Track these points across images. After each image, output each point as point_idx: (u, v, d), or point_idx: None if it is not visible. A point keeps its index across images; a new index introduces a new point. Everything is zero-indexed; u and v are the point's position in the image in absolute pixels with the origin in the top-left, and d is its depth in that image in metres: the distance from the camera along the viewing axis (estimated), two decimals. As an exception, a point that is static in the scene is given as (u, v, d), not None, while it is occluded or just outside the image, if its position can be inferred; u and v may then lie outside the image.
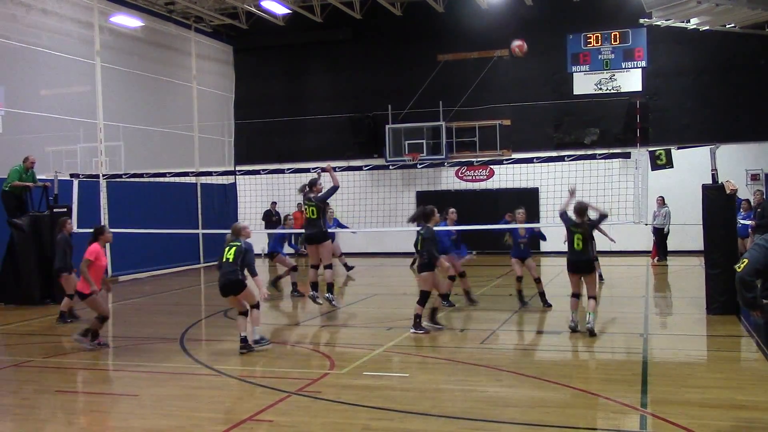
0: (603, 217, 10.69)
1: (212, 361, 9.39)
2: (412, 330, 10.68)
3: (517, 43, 11.33)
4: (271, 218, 24.65)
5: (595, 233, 11.18)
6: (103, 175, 16.82)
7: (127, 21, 20.96)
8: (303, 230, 12.86)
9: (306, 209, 12.38)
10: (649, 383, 7.74)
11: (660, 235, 20.30)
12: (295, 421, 6.75)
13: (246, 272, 9.68)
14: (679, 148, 12.58)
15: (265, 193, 21.24)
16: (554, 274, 18.87)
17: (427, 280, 10.71)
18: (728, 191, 11.68)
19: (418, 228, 10.99)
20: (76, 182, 15.88)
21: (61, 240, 12.67)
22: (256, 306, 9.91)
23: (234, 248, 9.67)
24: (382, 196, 20.03)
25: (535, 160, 16.07)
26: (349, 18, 24.47)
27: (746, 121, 21.93)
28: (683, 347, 9.91)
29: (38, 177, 15.49)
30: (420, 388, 7.90)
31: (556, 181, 16.36)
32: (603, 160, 15.34)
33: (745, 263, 5.76)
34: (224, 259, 9.71)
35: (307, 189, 12.43)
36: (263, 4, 22.92)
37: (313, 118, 25.69)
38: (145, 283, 18.95)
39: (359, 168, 17.96)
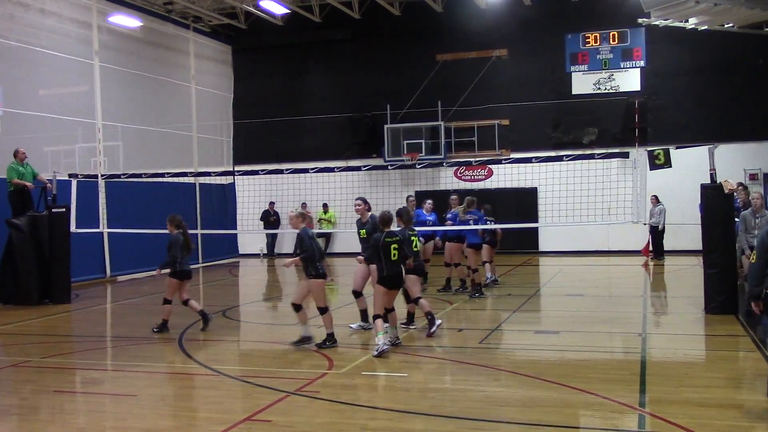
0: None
1: (211, 361, 9.39)
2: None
3: None
4: (269, 218, 24.66)
5: None
6: (102, 175, 16.77)
7: (126, 21, 20.94)
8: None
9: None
10: (647, 383, 7.74)
11: (655, 232, 20.31)
12: (294, 421, 6.74)
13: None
14: (677, 148, 12.57)
15: (263, 193, 21.20)
16: (552, 274, 18.92)
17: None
18: (726, 191, 11.70)
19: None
20: (74, 182, 15.84)
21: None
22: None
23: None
24: (380, 196, 19.94)
25: (533, 159, 16.08)
26: (347, 18, 24.46)
27: (744, 121, 21.93)
28: (682, 347, 9.91)
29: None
30: (419, 388, 7.90)
31: (555, 180, 16.39)
32: (601, 160, 15.33)
33: (755, 254, 5.92)
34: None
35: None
36: (262, 4, 22.90)
37: (312, 118, 25.68)
38: (144, 283, 18.92)
39: (358, 168, 17.95)
